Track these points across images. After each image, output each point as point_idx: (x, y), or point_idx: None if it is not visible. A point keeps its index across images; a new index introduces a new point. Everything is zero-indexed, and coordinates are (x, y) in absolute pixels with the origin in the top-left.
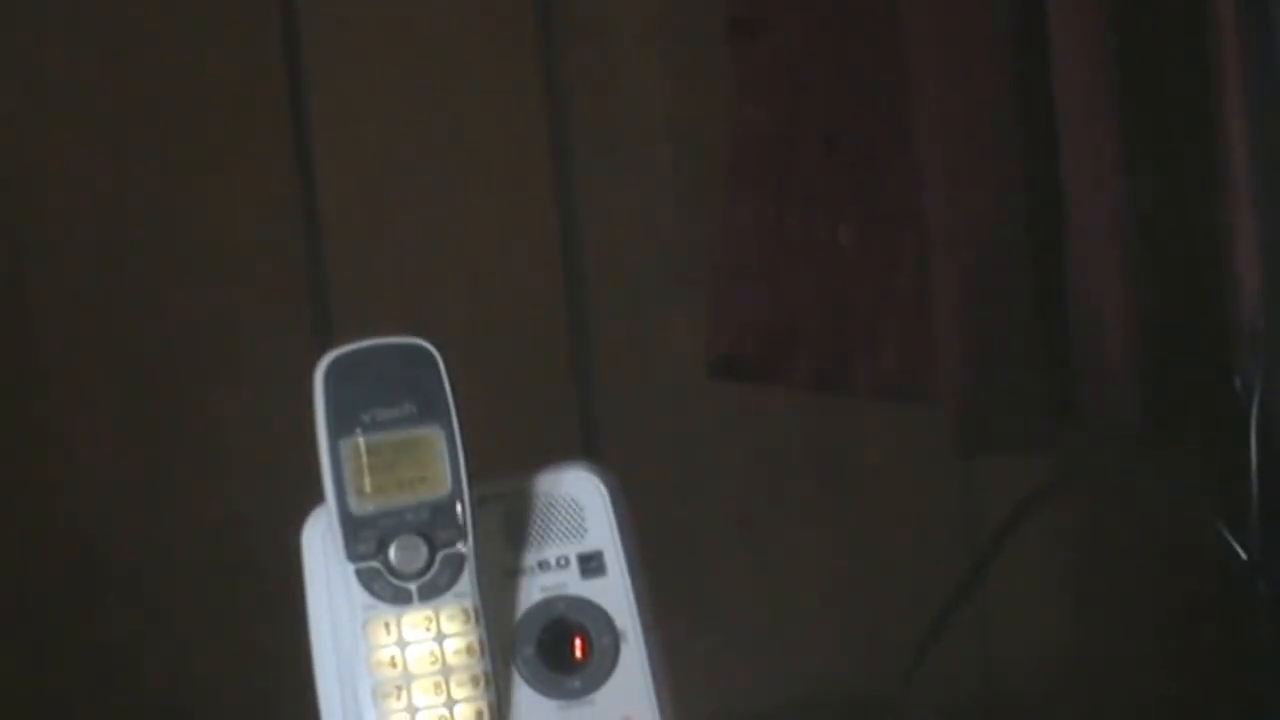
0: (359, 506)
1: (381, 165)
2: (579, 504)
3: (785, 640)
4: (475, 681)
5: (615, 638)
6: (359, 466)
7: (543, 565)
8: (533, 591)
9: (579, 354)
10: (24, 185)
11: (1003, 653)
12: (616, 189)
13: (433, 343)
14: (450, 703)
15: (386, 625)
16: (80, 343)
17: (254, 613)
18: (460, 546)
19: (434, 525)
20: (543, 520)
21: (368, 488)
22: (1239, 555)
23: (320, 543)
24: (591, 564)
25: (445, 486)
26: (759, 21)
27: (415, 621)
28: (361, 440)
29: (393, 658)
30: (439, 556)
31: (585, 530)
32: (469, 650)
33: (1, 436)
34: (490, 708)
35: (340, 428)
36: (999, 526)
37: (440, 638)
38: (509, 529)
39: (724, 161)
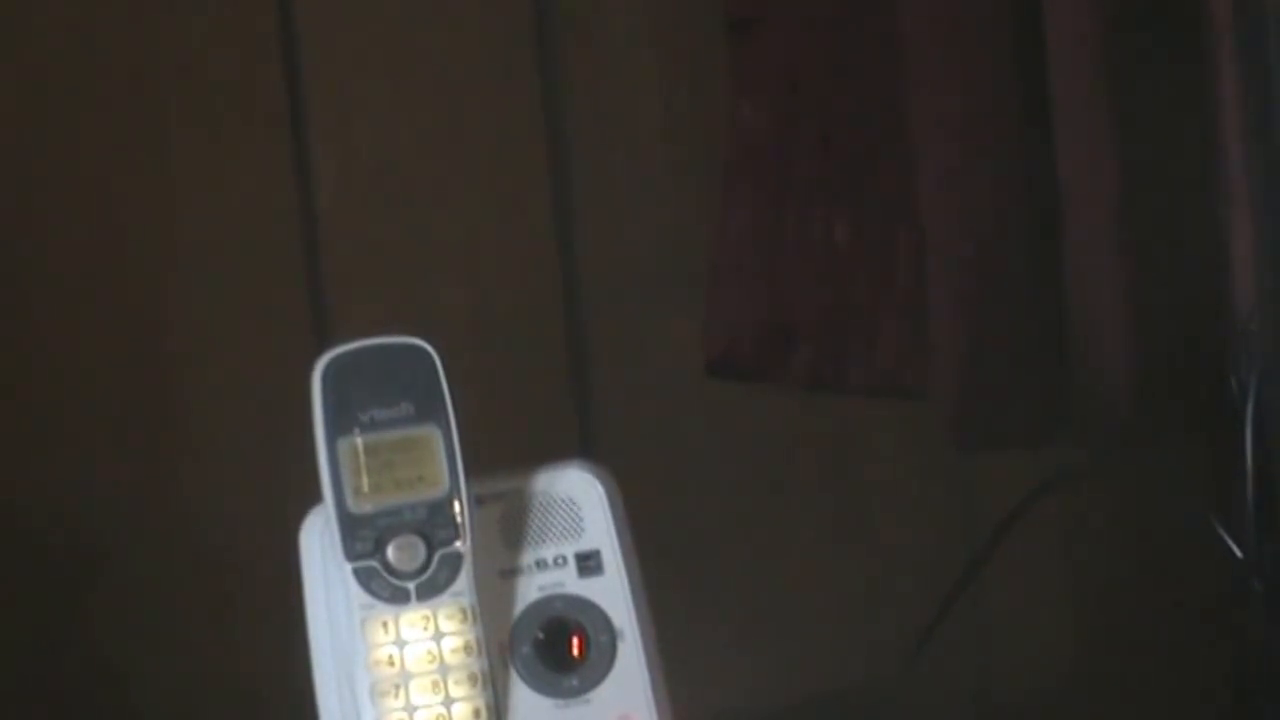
0: (357, 506)
1: (379, 165)
2: (576, 503)
3: (783, 639)
4: (473, 680)
5: (612, 636)
6: (357, 466)
7: (540, 564)
8: (530, 590)
9: (576, 353)
10: (23, 185)
11: (1000, 652)
12: (613, 188)
13: (430, 342)
14: (448, 701)
15: (384, 624)
16: (78, 342)
17: (252, 612)
18: (458, 545)
19: (432, 524)
20: (540, 519)
21: (365, 487)
22: (1234, 553)
23: (318, 542)
24: (589, 563)
25: (443, 486)
26: (756, 21)
27: (413, 620)
28: (359, 440)
29: (390, 657)
30: (437, 556)
31: (582, 529)
32: (467, 649)
33: None
34: (488, 706)
35: (338, 427)
36: (997, 525)
37: (438, 636)
38: (506, 528)
39: (721, 160)
